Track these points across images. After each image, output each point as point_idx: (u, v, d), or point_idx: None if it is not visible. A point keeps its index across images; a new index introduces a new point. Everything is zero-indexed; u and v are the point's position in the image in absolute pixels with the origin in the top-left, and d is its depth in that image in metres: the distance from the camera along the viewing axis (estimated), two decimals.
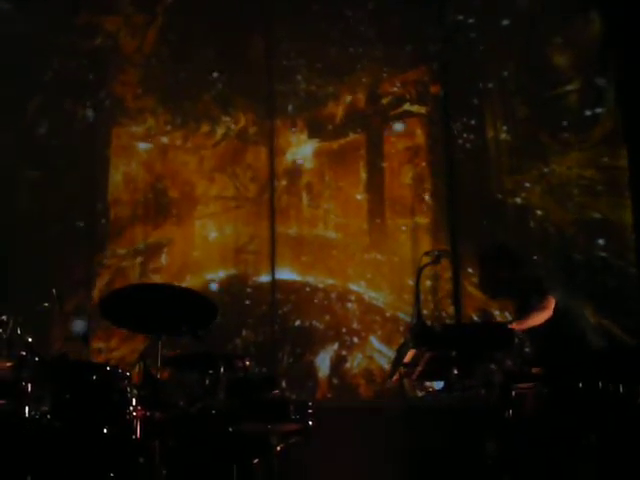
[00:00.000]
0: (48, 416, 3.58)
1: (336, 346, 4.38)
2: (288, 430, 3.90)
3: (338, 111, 4.62)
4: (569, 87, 4.44)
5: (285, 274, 4.48)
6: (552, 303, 3.96)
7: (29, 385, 3.55)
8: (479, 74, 4.44)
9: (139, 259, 4.69)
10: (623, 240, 4.48)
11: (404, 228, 4.37)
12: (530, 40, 4.59)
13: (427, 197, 4.36)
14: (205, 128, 4.79)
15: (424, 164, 4.41)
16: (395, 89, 4.51)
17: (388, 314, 4.35)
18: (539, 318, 3.88)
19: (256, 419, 3.83)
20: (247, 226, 4.54)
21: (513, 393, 3.61)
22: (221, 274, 4.69)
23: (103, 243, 4.76)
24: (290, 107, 4.63)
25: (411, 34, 4.68)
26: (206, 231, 4.62)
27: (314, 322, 4.42)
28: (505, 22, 4.59)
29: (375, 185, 4.46)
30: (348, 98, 4.59)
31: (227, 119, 4.75)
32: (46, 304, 4.19)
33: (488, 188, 4.30)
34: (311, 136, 4.64)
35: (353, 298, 4.42)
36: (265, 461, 3.90)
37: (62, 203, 4.78)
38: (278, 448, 3.89)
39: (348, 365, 4.38)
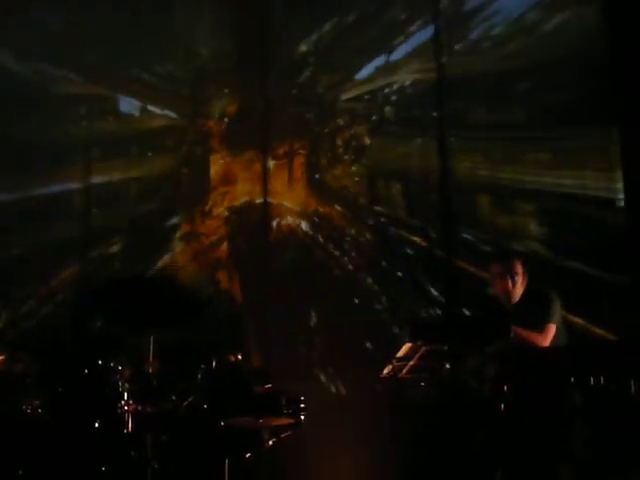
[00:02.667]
0: (40, 410, 4.12)
1: (278, 219, 9.35)
2: (280, 424, 4.64)
3: (281, 152, 9.58)
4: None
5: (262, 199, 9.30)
6: (551, 334, 4.66)
7: (21, 378, 4.17)
8: (320, 143, 9.45)
9: (220, 196, 9.50)
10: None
11: (298, 186, 9.39)
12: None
13: (304, 178, 9.45)
14: (239, 157, 9.73)
15: (304, 168, 9.40)
16: (297, 146, 9.54)
17: (293, 209, 9.39)
18: (534, 340, 4.55)
19: (248, 413, 4.46)
20: (253, 188, 9.64)
21: (505, 387, 4.20)
22: (244, 200, 9.62)
23: (209, 191, 9.60)
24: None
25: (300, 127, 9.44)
26: (242, 191, 9.72)
27: (273, 213, 9.33)
28: (340, 121, 9.30)
29: (290, 174, 9.46)
30: (284, 148, 9.59)
31: (246, 153, 9.69)
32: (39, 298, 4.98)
33: (319, 174, 9.26)
34: (272, 160, 9.59)
35: (284, 207, 9.41)
36: (257, 455, 4.49)
37: (195, 180, 9.63)
38: (270, 442, 4.57)
39: (281, 223, 9.32)
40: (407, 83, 8.66)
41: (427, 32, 8.49)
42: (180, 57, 9.46)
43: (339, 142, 9.14)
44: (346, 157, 9.07)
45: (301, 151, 9.49)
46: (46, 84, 9.27)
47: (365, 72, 8.90)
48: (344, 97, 9.12)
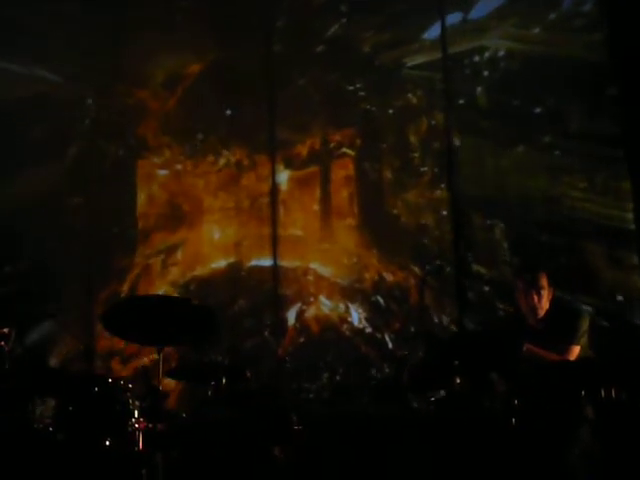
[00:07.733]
0: (51, 428, 4.04)
1: (299, 305, 6.54)
2: (290, 440, 4.55)
3: (303, 151, 6.81)
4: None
5: (268, 261, 6.67)
6: (573, 357, 4.57)
7: (31, 397, 4.09)
8: (381, 136, 6.82)
9: (161, 256, 6.75)
10: None
11: (342, 227, 6.65)
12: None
13: (355, 207, 6.69)
14: (210, 159, 6.84)
15: (353, 186, 6.74)
16: (337, 138, 6.80)
17: (332, 281, 6.59)
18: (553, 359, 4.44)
19: (258, 429, 4.46)
20: (241, 228, 6.71)
21: (515, 402, 4.14)
22: (220, 262, 6.78)
23: (134, 247, 6.76)
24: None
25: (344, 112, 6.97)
26: (212, 233, 6.75)
27: (289, 292, 6.60)
28: (412, 98, 6.85)
29: (325, 199, 6.73)
30: (309, 142, 6.81)
31: (225, 154, 6.84)
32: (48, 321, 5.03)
33: (383, 203, 6.65)
34: (286, 167, 6.85)
35: (312, 275, 6.64)
36: (267, 471, 4.43)
37: (100, 219, 6.76)
38: (280, 458, 4.46)
39: (306, 314, 6.52)
40: (501, 54, 6.71)
41: None
42: None
43: (412, 139, 6.71)
44: (425, 169, 6.71)
45: (345, 150, 6.85)
46: None
47: (435, 32, 6.85)
48: (410, 63, 6.85)
